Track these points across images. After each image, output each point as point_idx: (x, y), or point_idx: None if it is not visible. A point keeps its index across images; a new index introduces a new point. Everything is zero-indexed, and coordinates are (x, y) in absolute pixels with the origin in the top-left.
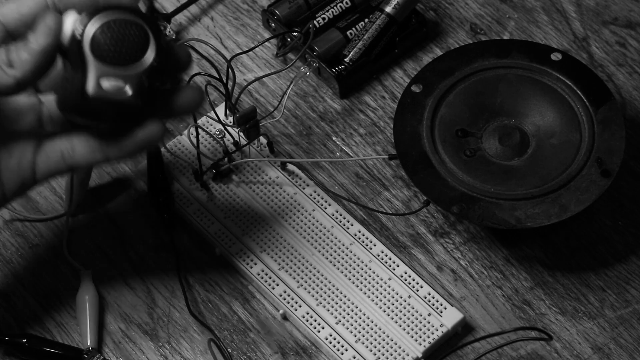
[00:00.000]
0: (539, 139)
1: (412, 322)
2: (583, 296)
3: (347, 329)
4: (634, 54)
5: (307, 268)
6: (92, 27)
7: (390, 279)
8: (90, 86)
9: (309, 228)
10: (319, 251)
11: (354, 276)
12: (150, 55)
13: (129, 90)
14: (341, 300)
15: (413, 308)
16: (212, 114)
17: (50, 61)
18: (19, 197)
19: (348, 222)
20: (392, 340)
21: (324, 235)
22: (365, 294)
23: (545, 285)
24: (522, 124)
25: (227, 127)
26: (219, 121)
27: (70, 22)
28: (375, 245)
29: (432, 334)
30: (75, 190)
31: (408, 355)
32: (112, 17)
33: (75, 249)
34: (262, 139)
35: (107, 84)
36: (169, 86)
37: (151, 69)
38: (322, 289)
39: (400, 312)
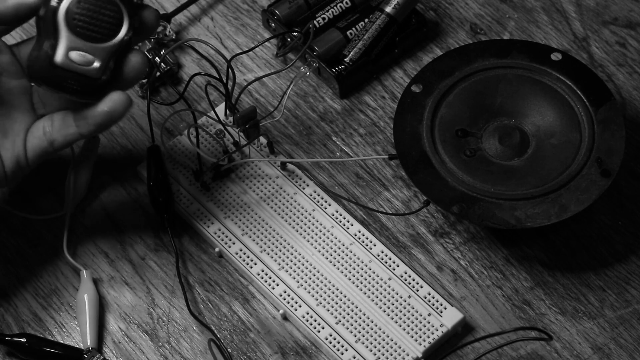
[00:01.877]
0: (539, 139)
1: (412, 322)
2: (583, 296)
3: (347, 329)
4: (634, 54)
5: (307, 268)
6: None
7: (390, 279)
8: (59, 56)
9: (309, 228)
10: (319, 251)
11: (354, 276)
12: (121, 34)
13: (96, 65)
14: (341, 300)
15: (413, 308)
16: (212, 114)
17: (22, 16)
18: (18, 178)
19: (348, 222)
20: (392, 340)
21: (324, 235)
22: (365, 294)
23: (545, 285)
24: (522, 124)
25: (227, 127)
26: (219, 121)
27: None
28: (375, 245)
29: (432, 334)
30: (76, 189)
31: (408, 355)
32: None
33: (75, 249)
34: (262, 139)
35: (75, 56)
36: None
37: (120, 46)
38: (322, 289)
39: (400, 312)
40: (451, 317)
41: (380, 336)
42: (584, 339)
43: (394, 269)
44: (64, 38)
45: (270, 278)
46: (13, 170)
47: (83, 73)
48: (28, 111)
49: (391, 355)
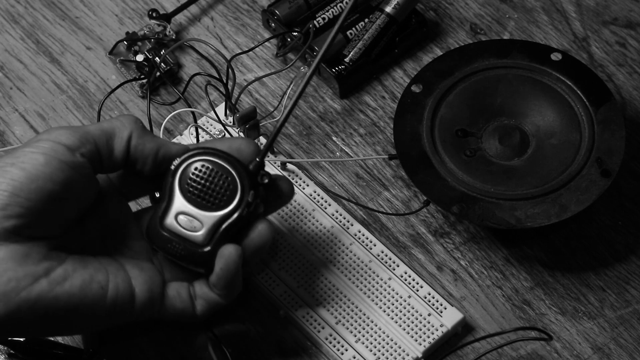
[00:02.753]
0: (539, 139)
1: (412, 322)
2: (583, 296)
3: (347, 329)
4: (634, 54)
5: (307, 268)
6: (187, 163)
7: (390, 279)
8: (168, 217)
9: (309, 228)
10: (319, 251)
11: (354, 276)
12: (232, 209)
13: (202, 232)
14: (341, 300)
15: (413, 308)
16: (212, 114)
17: (159, 161)
18: (148, 313)
19: (348, 222)
20: (392, 340)
21: (324, 235)
22: (365, 294)
23: (545, 285)
24: (522, 124)
25: (227, 127)
26: (219, 121)
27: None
28: (375, 245)
29: (432, 334)
30: None
31: (408, 355)
32: (210, 160)
33: None
34: (262, 139)
35: (183, 219)
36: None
37: (229, 220)
38: (322, 289)
39: (400, 312)
40: (451, 317)
41: (380, 336)
42: (584, 339)
43: (394, 269)
44: (176, 200)
45: (270, 278)
46: (144, 302)
47: (187, 238)
48: (151, 268)
49: (391, 355)
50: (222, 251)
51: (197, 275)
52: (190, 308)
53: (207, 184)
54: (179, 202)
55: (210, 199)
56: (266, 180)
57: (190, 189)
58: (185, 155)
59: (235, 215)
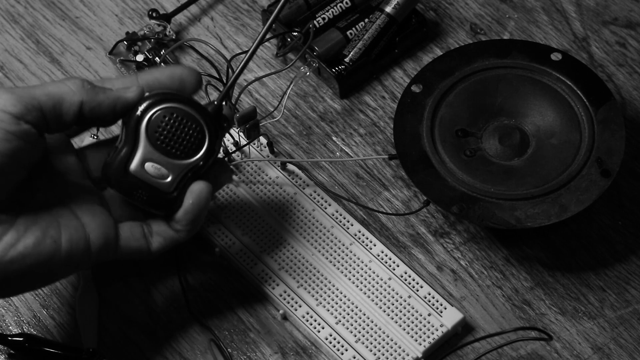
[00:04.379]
0: (539, 139)
1: (412, 322)
2: (583, 296)
3: (347, 329)
4: (634, 54)
5: (307, 268)
6: (153, 110)
7: (390, 279)
8: (134, 164)
9: (309, 228)
10: (319, 251)
11: (354, 276)
12: (200, 157)
13: (169, 179)
14: (341, 300)
15: (413, 308)
16: None
17: (118, 111)
18: (104, 257)
19: (348, 222)
20: (392, 340)
21: (324, 235)
22: (365, 294)
23: (545, 285)
24: (522, 124)
25: None
26: None
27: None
28: (375, 245)
29: (432, 334)
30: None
31: (408, 355)
32: (177, 107)
33: None
34: (262, 139)
35: (150, 167)
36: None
37: (196, 166)
38: (322, 289)
39: (400, 312)
40: (451, 317)
41: (380, 336)
42: (584, 339)
43: (394, 269)
44: (142, 148)
45: (270, 278)
46: (100, 247)
47: (154, 185)
48: (102, 211)
49: (391, 355)
50: (193, 187)
51: (148, 213)
52: (145, 246)
53: (178, 132)
54: (146, 150)
55: (180, 147)
56: (226, 124)
57: (161, 137)
58: (150, 101)
59: (203, 162)
